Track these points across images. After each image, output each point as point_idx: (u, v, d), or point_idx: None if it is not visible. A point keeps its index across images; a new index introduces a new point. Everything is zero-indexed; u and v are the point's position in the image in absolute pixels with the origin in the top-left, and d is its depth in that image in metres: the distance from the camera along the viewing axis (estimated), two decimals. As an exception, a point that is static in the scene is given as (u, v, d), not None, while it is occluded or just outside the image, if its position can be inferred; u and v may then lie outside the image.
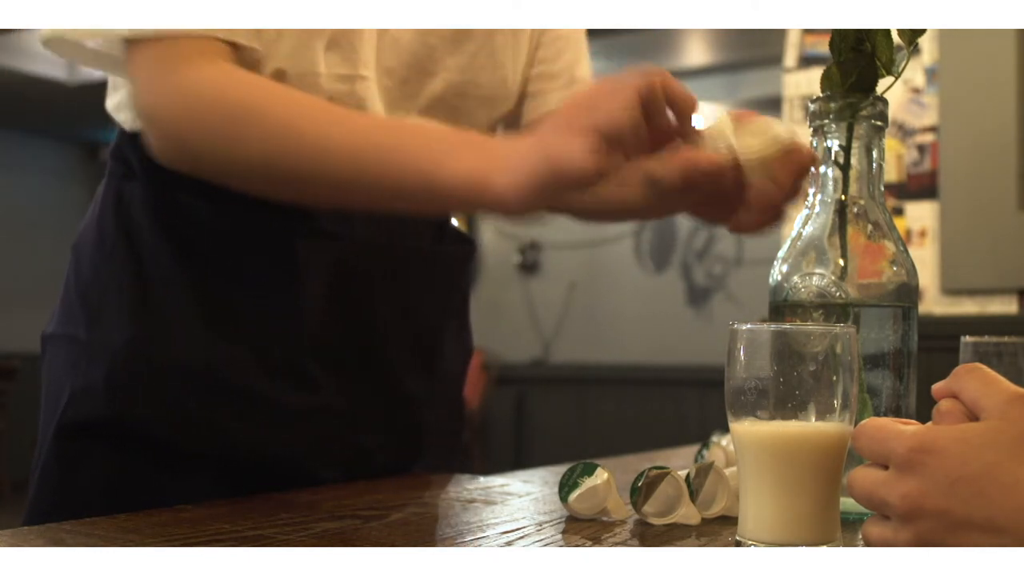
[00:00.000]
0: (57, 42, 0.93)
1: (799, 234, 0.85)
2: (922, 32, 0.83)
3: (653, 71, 0.80)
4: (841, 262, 0.83)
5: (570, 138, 0.77)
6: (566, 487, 0.82)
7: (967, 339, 0.93)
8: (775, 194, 0.83)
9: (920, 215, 2.33)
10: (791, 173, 0.82)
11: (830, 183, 0.84)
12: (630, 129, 0.79)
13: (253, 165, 0.87)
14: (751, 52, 5.45)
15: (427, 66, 1.03)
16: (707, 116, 0.82)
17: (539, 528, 0.78)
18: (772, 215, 0.85)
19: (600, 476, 0.81)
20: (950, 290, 2.27)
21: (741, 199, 0.84)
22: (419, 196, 0.84)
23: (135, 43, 0.89)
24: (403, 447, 1.08)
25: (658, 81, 0.80)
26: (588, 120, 0.78)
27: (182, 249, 0.97)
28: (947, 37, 2.27)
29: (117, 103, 1.02)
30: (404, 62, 1.02)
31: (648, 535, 0.76)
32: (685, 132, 0.83)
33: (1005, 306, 2.21)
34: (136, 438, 0.96)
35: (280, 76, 0.94)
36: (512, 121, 1.13)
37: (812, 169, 0.84)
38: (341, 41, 0.97)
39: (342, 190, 0.86)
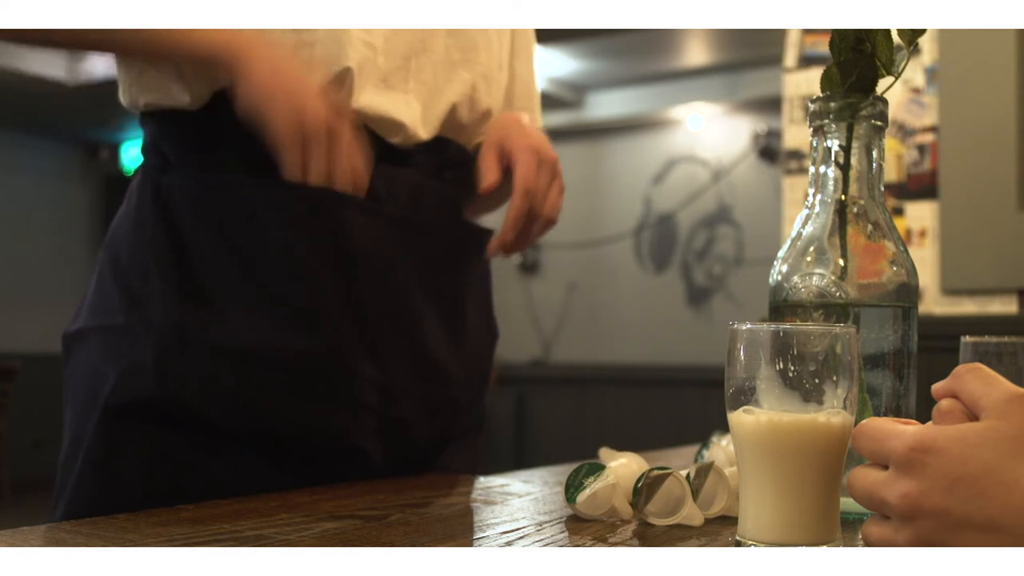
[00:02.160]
0: None
1: (799, 234, 0.85)
2: (922, 32, 0.83)
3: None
4: (841, 262, 0.82)
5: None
6: (572, 488, 0.81)
7: (967, 339, 0.93)
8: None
9: (920, 215, 2.32)
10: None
11: (830, 183, 0.84)
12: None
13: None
14: (751, 52, 5.45)
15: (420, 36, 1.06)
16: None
17: (539, 528, 0.78)
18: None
19: (607, 478, 0.81)
20: (950, 290, 2.27)
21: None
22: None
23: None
24: (437, 419, 1.12)
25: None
26: None
27: (223, 230, 0.99)
28: (947, 37, 2.27)
29: (141, 89, 1.04)
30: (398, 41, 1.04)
31: (648, 535, 0.76)
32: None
33: (1005, 306, 2.21)
34: (183, 417, 0.98)
35: None
36: None
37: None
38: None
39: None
